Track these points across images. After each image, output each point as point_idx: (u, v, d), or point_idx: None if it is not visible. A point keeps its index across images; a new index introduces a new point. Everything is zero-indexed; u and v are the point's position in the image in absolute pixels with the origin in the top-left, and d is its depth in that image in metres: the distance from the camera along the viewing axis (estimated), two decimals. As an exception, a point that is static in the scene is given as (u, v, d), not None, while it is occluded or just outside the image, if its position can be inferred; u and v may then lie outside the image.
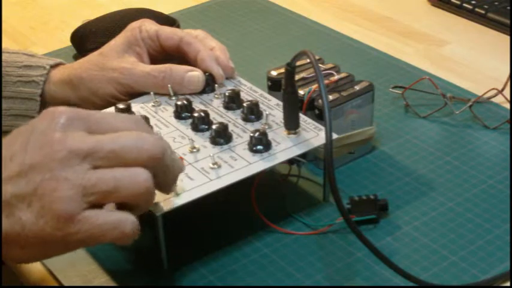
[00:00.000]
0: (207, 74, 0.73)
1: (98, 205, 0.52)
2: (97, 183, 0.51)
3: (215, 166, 0.63)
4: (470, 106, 0.80)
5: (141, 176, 0.52)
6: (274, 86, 0.75)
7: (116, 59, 0.72)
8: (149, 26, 0.74)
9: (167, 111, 0.71)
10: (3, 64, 0.75)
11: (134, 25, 0.74)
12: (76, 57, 0.95)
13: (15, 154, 0.51)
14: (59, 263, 0.63)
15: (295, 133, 0.66)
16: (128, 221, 0.52)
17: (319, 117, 0.70)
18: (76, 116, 0.52)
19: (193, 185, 0.61)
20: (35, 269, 0.64)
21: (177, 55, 0.74)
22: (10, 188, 0.50)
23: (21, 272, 0.64)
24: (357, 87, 0.73)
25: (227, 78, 0.75)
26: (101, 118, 0.53)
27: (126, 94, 0.72)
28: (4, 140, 0.53)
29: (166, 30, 0.74)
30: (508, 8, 1.00)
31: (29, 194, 0.50)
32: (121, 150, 0.52)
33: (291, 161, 0.67)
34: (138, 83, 0.71)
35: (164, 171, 0.55)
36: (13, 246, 0.51)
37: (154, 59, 0.74)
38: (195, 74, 0.72)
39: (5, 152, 0.52)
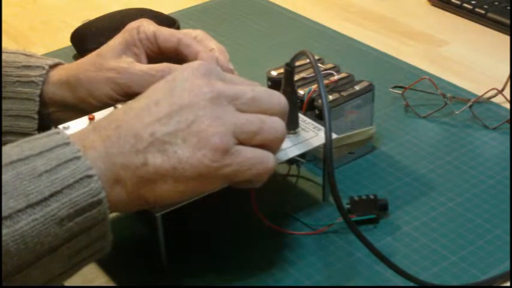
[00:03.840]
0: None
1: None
2: (246, 123, 0.56)
3: (215, 166, 0.63)
4: (470, 106, 0.80)
5: (279, 123, 0.58)
6: (274, 86, 0.75)
7: (113, 59, 0.72)
8: (147, 26, 0.74)
9: (167, 111, 0.70)
10: (2, 64, 0.75)
11: (132, 25, 0.74)
12: (76, 57, 0.95)
13: (160, 99, 0.56)
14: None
15: (294, 133, 0.66)
16: (271, 156, 0.58)
17: (319, 117, 0.70)
18: (213, 68, 0.59)
19: (193, 185, 0.61)
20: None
21: (175, 57, 0.74)
22: (160, 128, 0.54)
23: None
24: (357, 87, 0.73)
25: None
26: (229, 74, 0.61)
27: (123, 95, 0.72)
28: (142, 94, 0.58)
29: (164, 32, 0.73)
30: (508, 8, 1.00)
31: (183, 131, 0.54)
32: (260, 98, 0.58)
33: (290, 161, 0.67)
34: (135, 82, 0.71)
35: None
36: (166, 181, 0.55)
37: (152, 60, 0.74)
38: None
39: (147, 100, 0.56)
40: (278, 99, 0.59)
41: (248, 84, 0.60)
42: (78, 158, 0.52)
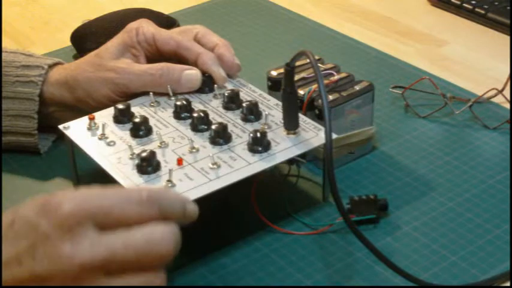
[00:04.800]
0: (206, 74, 0.73)
1: None
2: None
3: (214, 166, 0.63)
4: (470, 106, 0.80)
5: (156, 280, 0.49)
6: (274, 86, 0.75)
7: (111, 60, 0.72)
8: (147, 28, 0.73)
9: (166, 112, 0.70)
10: (2, 64, 0.75)
11: (132, 26, 0.74)
12: (76, 57, 0.95)
13: (23, 258, 0.47)
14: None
15: (294, 133, 0.66)
16: None
17: (319, 117, 0.70)
18: (81, 212, 0.47)
19: (193, 185, 0.61)
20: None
21: (174, 59, 0.73)
22: None
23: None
24: (357, 87, 0.73)
25: (229, 77, 0.74)
26: (109, 208, 0.48)
27: (122, 95, 0.72)
28: (4, 233, 0.48)
29: (163, 35, 0.73)
30: (508, 8, 1.00)
31: None
32: (134, 256, 0.48)
33: (290, 161, 0.67)
34: (133, 82, 0.71)
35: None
36: None
37: (152, 61, 0.74)
38: (193, 72, 0.72)
39: (10, 248, 0.47)
40: (161, 247, 0.49)
41: (133, 218, 0.49)
42: None
